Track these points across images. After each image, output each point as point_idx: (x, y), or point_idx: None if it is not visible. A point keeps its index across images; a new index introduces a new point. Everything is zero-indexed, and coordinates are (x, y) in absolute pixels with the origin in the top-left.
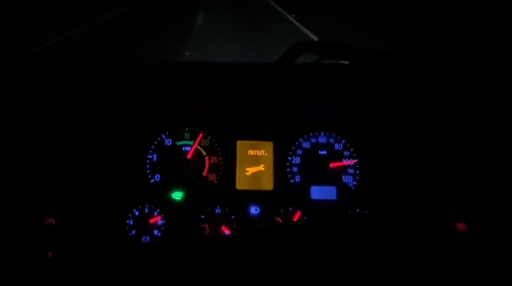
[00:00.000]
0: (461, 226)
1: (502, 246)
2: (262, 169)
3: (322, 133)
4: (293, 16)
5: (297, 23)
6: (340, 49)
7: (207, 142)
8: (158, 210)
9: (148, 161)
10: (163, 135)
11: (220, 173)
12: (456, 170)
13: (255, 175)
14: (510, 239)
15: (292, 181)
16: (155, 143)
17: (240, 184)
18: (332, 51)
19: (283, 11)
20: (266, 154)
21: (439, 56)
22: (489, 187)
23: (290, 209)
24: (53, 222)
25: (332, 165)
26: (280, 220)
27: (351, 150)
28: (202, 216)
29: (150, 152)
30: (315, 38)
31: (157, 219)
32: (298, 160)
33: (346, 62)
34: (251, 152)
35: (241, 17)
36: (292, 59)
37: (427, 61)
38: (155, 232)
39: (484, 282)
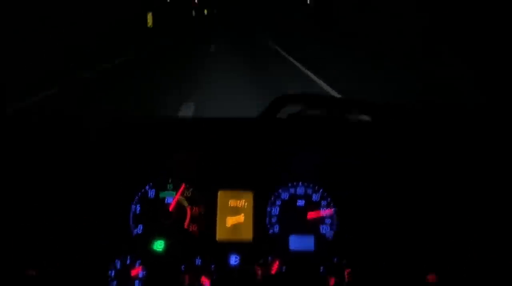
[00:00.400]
0: (431, 278)
1: None
2: (242, 219)
3: (300, 183)
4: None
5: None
6: (322, 101)
7: (189, 193)
8: (140, 261)
9: (131, 213)
10: (146, 187)
11: (201, 224)
12: (429, 221)
13: (235, 225)
14: None
15: (271, 231)
16: (139, 194)
17: (220, 234)
18: (313, 103)
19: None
20: (246, 204)
21: (421, 108)
22: (461, 239)
23: (269, 258)
24: (35, 273)
25: (310, 215)
26: (260, 271)
27: (328, 200)
28: (182, 267)
29: (133, 203)
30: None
31: (138, 270)
32: (277, 210)
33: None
34: (231, 202)
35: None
36: (274, 113)
37: (409, 113)
38: (136, 283)
39: None
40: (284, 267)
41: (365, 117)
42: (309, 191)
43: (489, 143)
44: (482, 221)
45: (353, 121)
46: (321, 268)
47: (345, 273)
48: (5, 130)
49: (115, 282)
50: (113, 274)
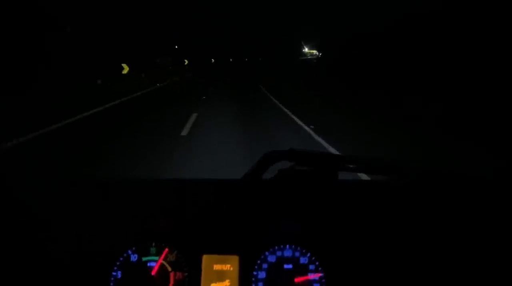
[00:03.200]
0: None
1: None
2: (228, 284)
3: (287, 246)
4: None
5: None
6: (311, 157)
7: (173, 257)
8: None
9: (112, 279)
10: (129, 251)
11: None
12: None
13: None
14: None
15: None
16: (120, 259)
17: None
18: (302, 160)
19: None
20: (231, 268)
21: (413, 168)
22: None
23: None
24: None
25: (297, 280)
26: None
27: (316, 263)
28: None
29: (115, 268)
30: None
31: None
32: (263, 274)
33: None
34: (216, 266)
35: None
36: (261, 172)
37: (405, 173)
38: None
39: None
40: None
41: (358, 175)
42: (297, 254)
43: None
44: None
45: (343, 180)
46: None
47: None
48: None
49: None
50: None
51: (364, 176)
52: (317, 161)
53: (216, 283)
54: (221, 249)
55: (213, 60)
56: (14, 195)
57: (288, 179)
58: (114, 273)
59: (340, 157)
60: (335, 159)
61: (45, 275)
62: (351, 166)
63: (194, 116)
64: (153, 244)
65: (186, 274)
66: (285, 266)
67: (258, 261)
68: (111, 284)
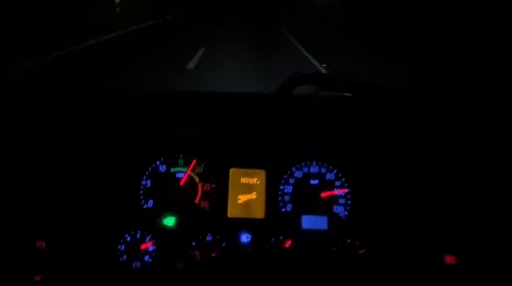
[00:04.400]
0: (449, 259)
1: (492, 280)
2: (254, 197)
3: (314, 163)
4: None
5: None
6: (337, 82)
7: (200, 169)
8: (150, 236)
9: (141, 187)
10: (157, 162)
11: (212, 200)
12: (447, 200)
13: (247, 203)
14: (500, 272)
15: (283, 209)
16: (150, 169)
17: (232, 212)
18: (329, 83)
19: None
20: (258, 182)
21: (432, 90)
22: (480, 219)
23: (281, 237)
24: (44, 245)
25: (323, 195)
26: (271, 249)
27: (343, 179)
28: (193, 243)
29: (144, 177)
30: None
31: (148, 245)
32: (290, 189)
33: (344, 94)
34: (243, 180)
35: None
36: (290, 90)
37: (418, 94)
38: (146, 258)
39: None
40: (296, 246)
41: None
42: (323, 170)
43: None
44: (506, 201)
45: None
46: (334, 248)
47: (359, 254)
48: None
49: (125, 256)
50: (123, 248)
51: None
52: (342, 87)
53: (243, 195)
54: (249, 163)
55: None
56: (46, 108)
57: (315, 99)
58: (143, 182)
59: (368, 84)
60: (363, 87)
61: (77, 185)
62: (374, 91)
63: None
64: (181, 155)
65: (214, 186)
66: (312, 181)
67: (285, 176)
68: (141, 192)
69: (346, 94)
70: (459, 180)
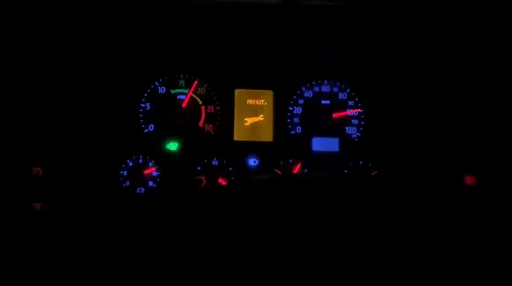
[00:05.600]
0: (469, 180)
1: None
2: (261, 119)
3: (325, 81)
4: None
5: None
6: None
7: (203, 90)
8: (153, 161)
9: (141, 110)
10: (156, 83)
11: (217, 123)
12: (464, 119)
13: (253, 126)
14: None
15: (292, 132)
16: (148, 91)
17: (238, 135)
18: None
19: None
20: (265, 103)
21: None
22: (500, 138)
23: (290, 161)
24: (41, 172)
25: (335, 115)
26: (280, 172)
27: (356, 99)
28: (199, 168)
29: (143, 100)
30: None
31: (152, 170)
32: (299, 110)
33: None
34: (250, 101)
35: None
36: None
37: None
38: (150, 183)
39: (491, 242)
40: (306, 170)
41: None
42: (335, 90)
43: None
44: None
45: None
46: (346, 170)
47: (372, 175)
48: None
49: (128, 182)
50: (125, 174)
51: None
52: None
53: (249, 117)
54: (255, 83)
55: None
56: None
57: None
58: (142, 105)
59: None
60: None
61: (74, 109)
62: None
63: None
64: (182, 75)
65: (218, 108)
66: (323, 101)
67: (294, 97)
68: (141, 116)
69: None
70: (477, 96)
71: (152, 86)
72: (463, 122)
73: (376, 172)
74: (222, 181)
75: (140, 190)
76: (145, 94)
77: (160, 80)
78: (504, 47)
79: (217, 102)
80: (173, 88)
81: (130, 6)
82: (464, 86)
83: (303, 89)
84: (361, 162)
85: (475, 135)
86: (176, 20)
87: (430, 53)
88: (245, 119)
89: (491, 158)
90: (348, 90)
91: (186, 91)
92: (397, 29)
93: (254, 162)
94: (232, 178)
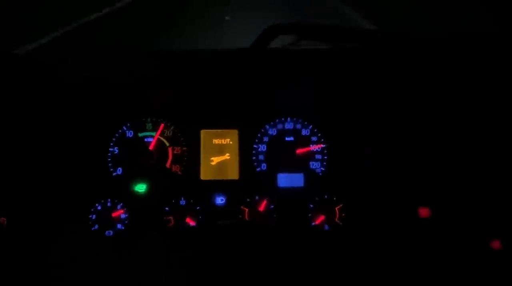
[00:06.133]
0: (423, 212)
1: (467, 233)
2: (228, 157)
3: (288, 119)
4: None
5: None
6: (316, 30)
7: (170, 132)
8: (122, 204)
9: (109, 154)
10: (124, 127)
11: (184, 164)
12: (421, 152)
13: (220, 164)
14: (475, 226)
15: (258, 169)
16: (116, 135)
17: (205, 174)
18: (305, 32)
19: None
20: (231, 142)
21: (417, 35)
22: (454, 171)
23: (257, 198)
24: (5, 222)
25: (299, 151)
26: (247, 210)
27: (319, 135)
28: (167, 208)
29: (112, 144)
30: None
31: (120, 213)
32: (264, 147)
33: (318, 45)
34: (215, 141)
35: None
36: (266, 43)
37: (406, 40)
38: (119, 226)
39: (446, 269)
40: (272, 206)
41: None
42: (298, 126)
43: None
44: (479, 152)
45: (346, 50)
46: (311, 205)
47: (336, 209)
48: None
49: (96, 226)
50: (94, 217)
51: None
52: (322, 34)
53: (216, 156)
54: (220, 123)
55: None
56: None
57: (290, 51)
58: (111, 149)
59: (348, 28)
60: (342, 31)
61: (42, 156)
62: (360, 38)
63: None
64: (148, 119)
65: (185, 148)
66: (286, 138)
67: (258, 134)
68: (109, 159)
69: (324, 44)
70: (433, 131)
71: (120, 131)
72: (417, 156)
73: (340, 206)
74: (190, 221)
75: (109, 232)
76: (113, 139)
77: (128, 124)
78: (454, 84)
79: (183, 143)
80: (141, 132)
81: (98, 56)
82: (417, 120)
83: (267, 127)
84: (326, 196)
85: (431, 168)
86: (144, 67)
87: (383, 89)
88: (212, 158)
89: (446, 191)
90: (310, 126)
91: (153, 134)
92: (352, 70)
93: (221, 200)
94: (200, 217)
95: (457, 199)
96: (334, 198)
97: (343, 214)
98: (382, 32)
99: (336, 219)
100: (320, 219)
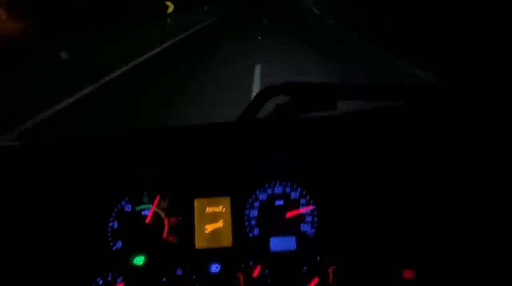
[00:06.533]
0: (407, 274)
1: None
2: (221, 225)
3: (277, 183)
4: None
5: None
6: (304, 89)
7: (165, 204)
8: (121, 277)
9: (109, 228)
10: (123, 202)
11: (180, 233)
12: (407, 216)
13: (214, 232)
14: None
15: (250, 234)
16: (116, 210)
17: (200, 243)
18: (296, 92)
19: None
20: (224, 210)
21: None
22: (440, 235)
23: (251, 263)
24: None
25: (289, 214)
26: (241, 276)
27: (307, 197)
28: (164, 279)
29: (111, 219)
30: None
31: None
32: (255, 213)
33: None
34: (209, 209)
35: None
36: (255, 111)
37: (406, 94)
38: None
39: None
40: (266, 270)
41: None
42: (287, 190)
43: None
44: (463, 216)
45: (341, 111)
46: (304, 268)
47: (329, 271)
48: None
49: None
50: None
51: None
52: (314, 93)
53: (210, 224)
54: (213, 192)
55: None
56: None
57: (283, 114)
58: (110, 224)
59: (339, 85)
60: (333, 88)
61: (41, 230)
62: (351, 94)
63: None
64: (145, 193)
65: (180, 218)
66: (277, 202)
67: (250, 200)
68: (109, 234)
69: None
70: (422, 194)
71: (119, 206)
72: (404, 218)
73: (333, 267)
74: None
75: None
76: (113, 214)
77: (126, 199)
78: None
79: (178, 214)
80: (138, 205)
81: (95, 139)
82: (404, 183)
83: (258, 192)
84: (318, 258)
85: (415, 231)
86: (138, 147)
87: (369, 151)
88: (206, 227)
89: (430, 253)
90: (299, 189)
91: (150, 206)
92: (337, 137)
93: (216, 267)
94: None
95: (441, 262)
96: (327, 260)
97: (336, 276)
98: (383, 87)
99: (330, 281)
100: (314, 281)
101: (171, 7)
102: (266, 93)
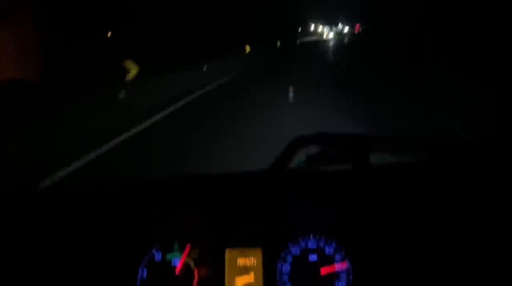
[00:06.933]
0: None
1: None
2: (252, 278)
3: (311, 236)
4: None
5: None
6: (336, 140)
7: (196, 253)
8: None
9: (138, 277)
10: (153, 250)
11: (210, 285)
12: (447, 275)
13: (244, 285)
14: None
15: None
16: (146, 258)
17: None
18: (327, 143)
19: None
20: (255, 262)
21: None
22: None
23: None
24: None
25: (323, 271)
26: None
27: (342, 253)
28: None
29: (141, 267)
30: None
31: None
32: (288, 267)
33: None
34: (240, 261)
35: None
36: (287, 160)
37: (440, 149)
38: None
39: None
40: None
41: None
42: (322, 244)
43: None
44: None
45: (375, 164)
46: None
47: None
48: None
49: None
50: None
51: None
52: (346, 144)
53: (240, 276)
54: (244, 242)
55: None
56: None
57: (314, 165)
58: (140, 273)
59: (371, 137)
60: (365, 141)
61: (71, 278)
62: (384, 147)
63: None
64: (176, 240)
65: (210, 269)
66: (310, 257)
67: (282, 254)
68: (138, 283)
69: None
70: (460, 251)
71: (149, 254)
72: (443, 279)
73: None
74: None
75: None
76: (143, 262)
77: (157, 246)
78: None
79: (209, 264)
80: (168, 253)
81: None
82: (444, 240)
83: (290, 245)
84: None
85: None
86: (171, 194)
87: (407, 207)
88: (236, 279)
89: None
90: (334, 244)
91: (180, 255)
92: (379, 185)
93: None
94: None
95: None
96: None
97: None
98: (416, 140)
99: None
100: None
101: (132, 71)
102: (297, 143)
